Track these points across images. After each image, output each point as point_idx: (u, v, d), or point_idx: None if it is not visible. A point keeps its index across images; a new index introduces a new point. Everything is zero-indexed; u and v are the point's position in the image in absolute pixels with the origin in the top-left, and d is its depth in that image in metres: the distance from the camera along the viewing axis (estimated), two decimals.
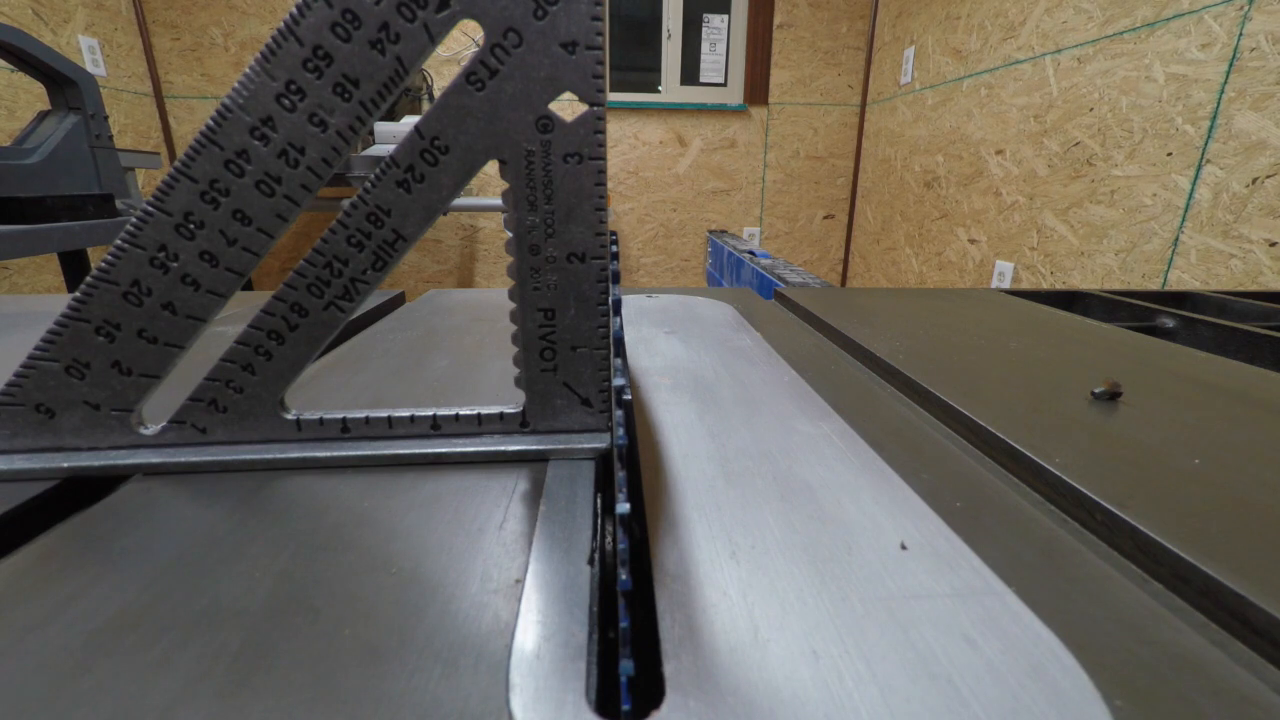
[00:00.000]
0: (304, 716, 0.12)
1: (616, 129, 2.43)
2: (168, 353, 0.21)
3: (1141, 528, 0.19)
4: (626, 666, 0.12)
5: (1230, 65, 1.08)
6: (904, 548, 0.17)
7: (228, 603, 0.15)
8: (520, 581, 0.16)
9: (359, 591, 0.16)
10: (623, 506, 0.14)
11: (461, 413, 0.23)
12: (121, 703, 0.12)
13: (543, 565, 0.17)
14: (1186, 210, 1.18)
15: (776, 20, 2.35)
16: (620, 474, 0.16)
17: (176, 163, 0.19)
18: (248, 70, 0.18)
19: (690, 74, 2.44)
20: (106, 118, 1.21)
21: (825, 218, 2.60)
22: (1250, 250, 1.08)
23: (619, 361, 0.18)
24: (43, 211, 1.11)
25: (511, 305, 0.21)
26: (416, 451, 0.22)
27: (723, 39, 2.41)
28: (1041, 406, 0.29)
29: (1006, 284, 1.69)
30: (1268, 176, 1.05)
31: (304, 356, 0.21)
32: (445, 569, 0.17)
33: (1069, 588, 0.16)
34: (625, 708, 0.12)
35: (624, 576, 0.13)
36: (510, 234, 0.20)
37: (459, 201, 1.84)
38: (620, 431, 0.17)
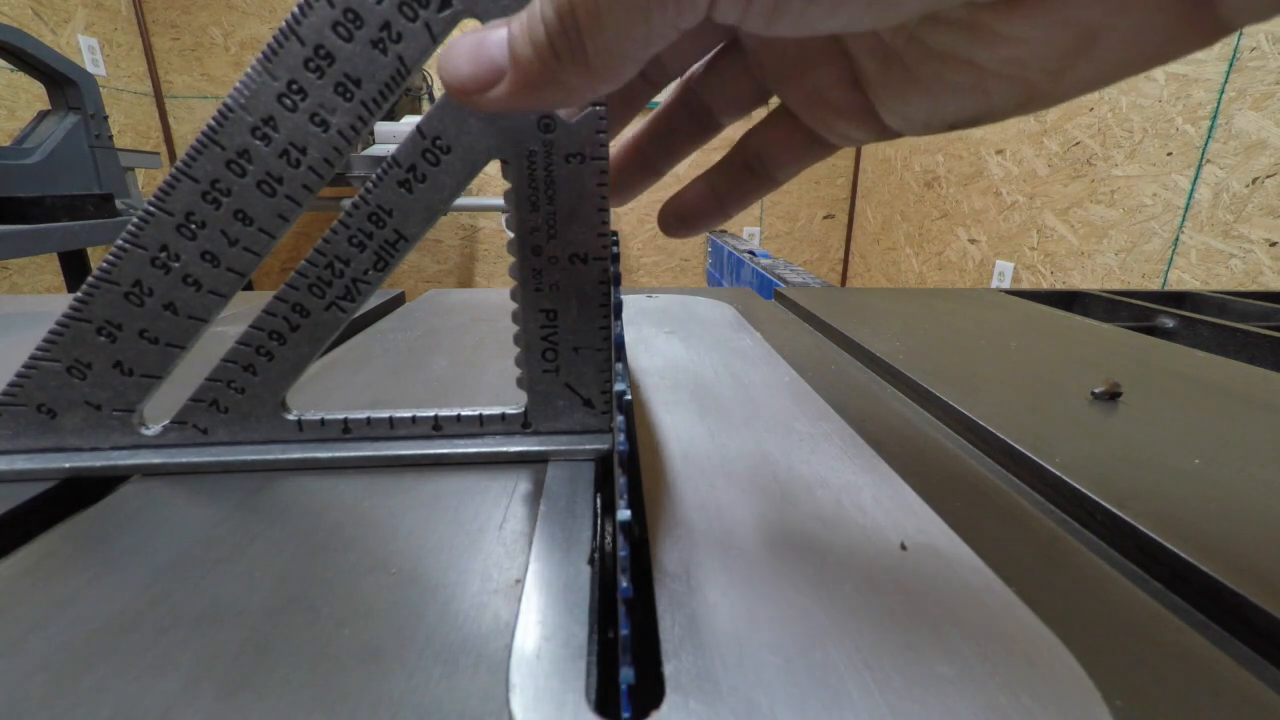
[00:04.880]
0: (304, 717, 0.12)
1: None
2: (169, 353, 0.21)
3: (1141, 528, 0.19)
4: (627, 675, 0.12)
5: (1230, 65, 1.08)
6: (904, 548, 0.17)
7: (228, 603, 0.15)
8: (520, 581, 0.16)
9: (359, 591, 0.16)
10: (624, 513, 0.14)
11: (463, 413, 0.23)
12: (121, 703, 0.12)
13: (543, 565, 0.17)
14: (1186, 210, 1.18)
15: None
16: (621, 480, 0.16)
17: (178, 163, 0.19)
18: (249, 70, 0.18)
19: None
20: (106, 118, 1.21)
21: (825, 217, 2.60)
22: (1250, 250, 1.08)
23: (620, 366, 0.18)
24: (42, 211, 1.12)
25: (513, 305, 0.21)
26: (418, 452, 0.22)
27: None
28: (1041, 406, 0.29)
29: (1006, 284, 1.69)
30: (1268, 176, 1.05)
31: (305, 357, 0.21)
32: (445, 569, 0.17)
33: (1069, 588, 0.16)
34: (625, 716, 0.12)
35: (625, 584, 0.13)
36: (512, 234, 0.20)
37: (460, 201, 1.83)
38: (621, 437, 0.17)
